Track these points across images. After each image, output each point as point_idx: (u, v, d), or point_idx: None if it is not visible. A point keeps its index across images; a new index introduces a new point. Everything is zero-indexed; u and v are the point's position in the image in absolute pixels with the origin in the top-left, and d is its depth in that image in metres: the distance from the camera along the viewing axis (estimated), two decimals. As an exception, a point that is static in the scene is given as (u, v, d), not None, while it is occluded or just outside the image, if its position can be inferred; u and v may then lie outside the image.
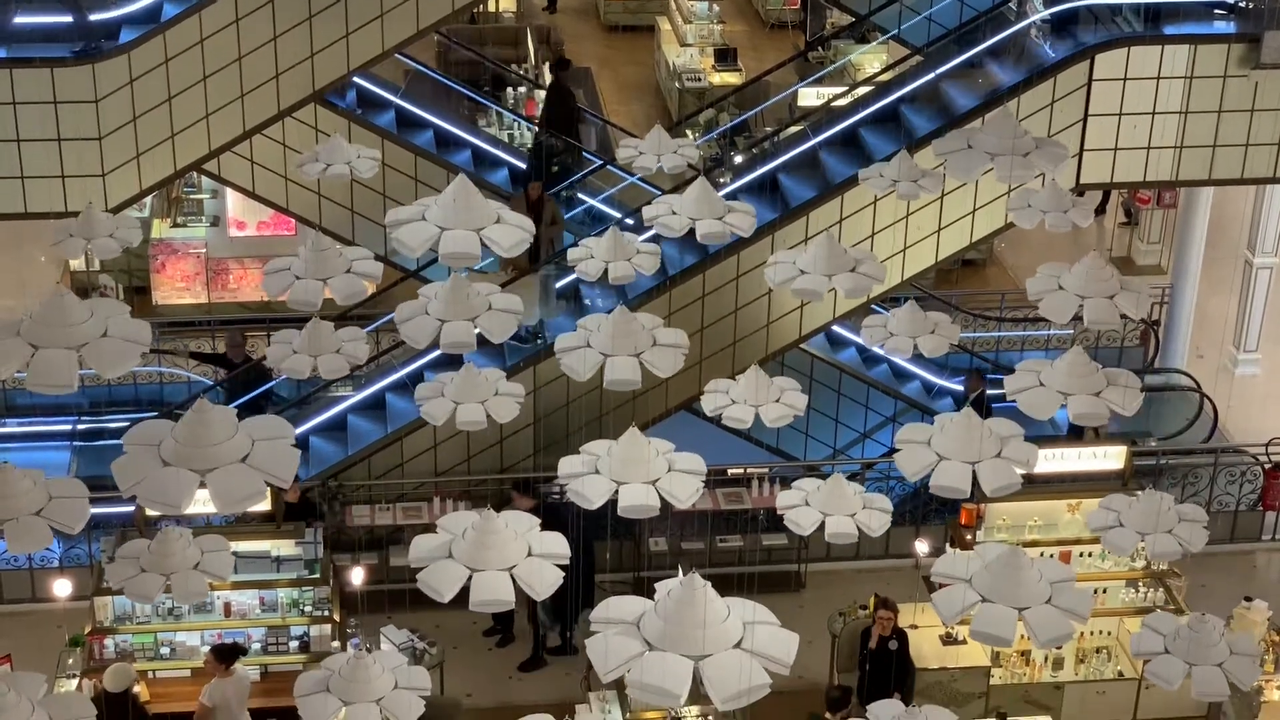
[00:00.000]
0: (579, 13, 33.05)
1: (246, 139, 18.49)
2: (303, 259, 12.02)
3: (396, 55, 19.72)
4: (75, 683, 15.39)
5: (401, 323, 11.65)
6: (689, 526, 18.43)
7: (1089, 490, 16.64)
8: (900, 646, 15.60)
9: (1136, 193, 24.83)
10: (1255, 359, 22.47)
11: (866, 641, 15.66)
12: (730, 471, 18.85)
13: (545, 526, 9.55)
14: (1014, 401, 11.59)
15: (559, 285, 18.73)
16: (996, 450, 10.74)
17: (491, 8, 30.65)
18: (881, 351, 15.40)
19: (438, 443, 18.48)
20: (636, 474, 10.02)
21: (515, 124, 24.24)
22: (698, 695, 8.14)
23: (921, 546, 17.55)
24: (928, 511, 18.64)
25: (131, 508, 16.09)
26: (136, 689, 14.90)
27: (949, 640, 16.34)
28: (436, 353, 17.88)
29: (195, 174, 20.62)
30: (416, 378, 16.96)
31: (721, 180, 19.31)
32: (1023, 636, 9.94)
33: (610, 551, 17.46)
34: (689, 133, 23.30)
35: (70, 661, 15.80)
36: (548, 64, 21.32)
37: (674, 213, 12.57)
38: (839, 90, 22.70)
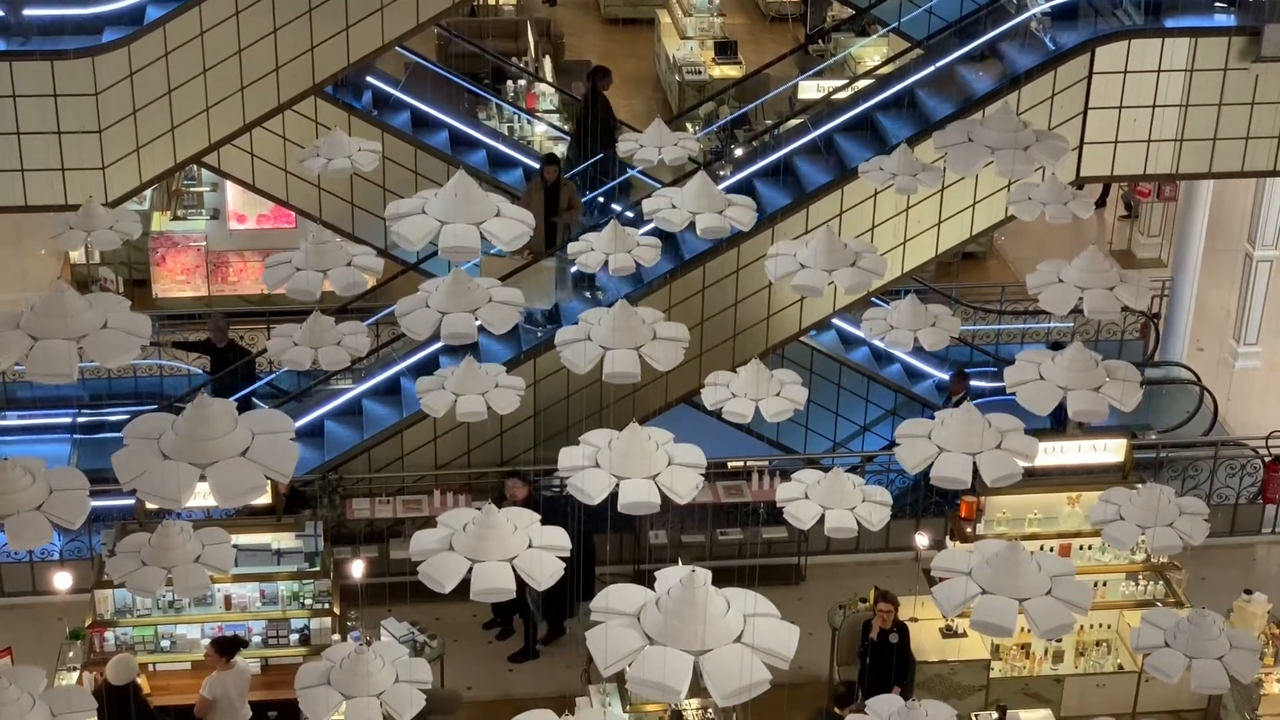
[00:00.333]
0: (579, 6, 33.01)
1: (246, 132, 18.49)
2: (304, 253, 12.03)
3: (396, 48, 19.71)
4: (76, 675, 15.40)
5: (402, 315, 11.66)
6: (689, 519, 18.43)
7: (1089, 483, 16.65)
8: (901, 639, 15.62)
9: (1137, 186, 24.82)
10: (1255, 352, 22.46)
11: (867, 634, 15.67)
12: (730, 465, 18.86)
13: (544, 521, 9.56)
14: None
15: (575, 269, 18.69)
16: (997, 442, 10.77)
17: (492, 1, 30.63)
18: (881, 344, 15.40)
19: (438, 435, 18.48)
20: (637, 469, 10.02)
21: (515, 117, 24.25)
22: (698, 688, 8.15)
23: (921, 540, 17.55)
24: (928, 505, 18.65)
25: (132, 501, 16.11)
26: (138, 681, 14.91)
27: (949, 633, 16.36)
28: (438, 344, 17.93)
29: (195, 167, 20.63)
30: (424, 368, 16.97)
31: (721, 173, 19.33)
32: (1023, 629, 9.96)
33: (610, 544, 17.47)
34: (689, 126, 23.34)
35: (71, 654, 15.81)
36: (588, 76, 21.12)
37: (674, 206, 12.57)
38: (839, 83, 22.70)
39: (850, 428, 21.20)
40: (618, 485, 9.98)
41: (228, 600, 15.97)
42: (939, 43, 19.58)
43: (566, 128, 24.39)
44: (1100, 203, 25.87)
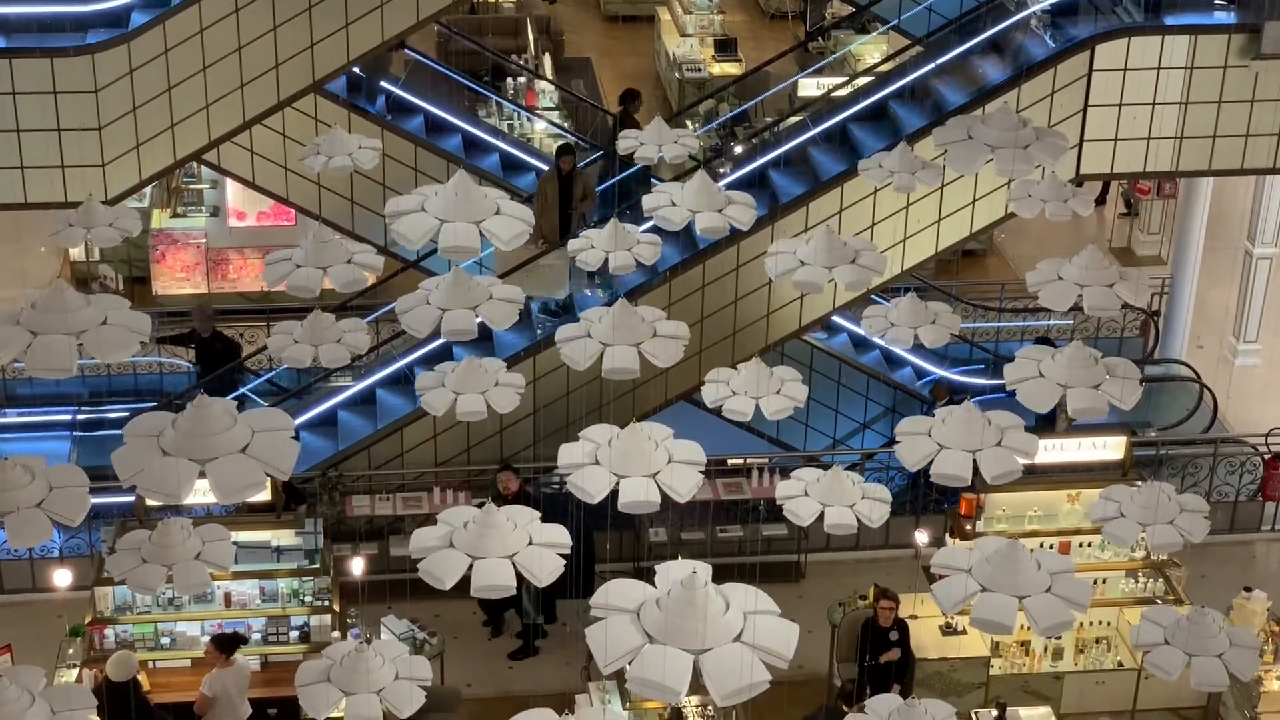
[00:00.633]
0: (579, 3, 33.01)
1: (246, 129, 18.49)
2: (304, 250, 12.03)
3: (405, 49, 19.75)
4: (76, 673, 15.41)
5: (403, 313, 11.66)
6: (689, 516, 18.44)
7: (1089, 481, 16.65)
8: (900, 637, 15.63)
9: (1136, 183, 24.82)
10: (1255, 349, 22.46)
11: (867, 633, 15.67)
12: (730, 462, 18.86)
13: (544, 518, 9.57)
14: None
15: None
16: (997, 439, 10.78)
17: (491, -2, 30.67)
18: (881, 341, 15.41)
19: (438, 433, 18.49)
20: (636, 468, 10.02)
21: (515, 114, 24.25)
22: (698, 685, 8.15)
23: (921, 537, 17.55)
24: (927, 502, 18.66)
25: (132, 498, 16.11)
26: (138, 678, 14.91)
27: (949, 630, 16.36)
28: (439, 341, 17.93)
29: (195, 164, 20.62)
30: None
31: (721, 170, 19.32)
32: (1023, 626, 9.97)
33: (610, 541, 17.47)
34: (689, 123, 23.33)
35: (71, 651, 15.81)
36: (619, 99, 21.12)
37: (673, 204, 12.58)
38: (839, 80, 22.70)
39: (850, 425, 21.20)
40: (618, 484, 9.98)
41: (227, 597, 15.97)
42: (938, 40, 19.58)
43: (567, 125, 24.42)
44: (1100, 200, 25.86)
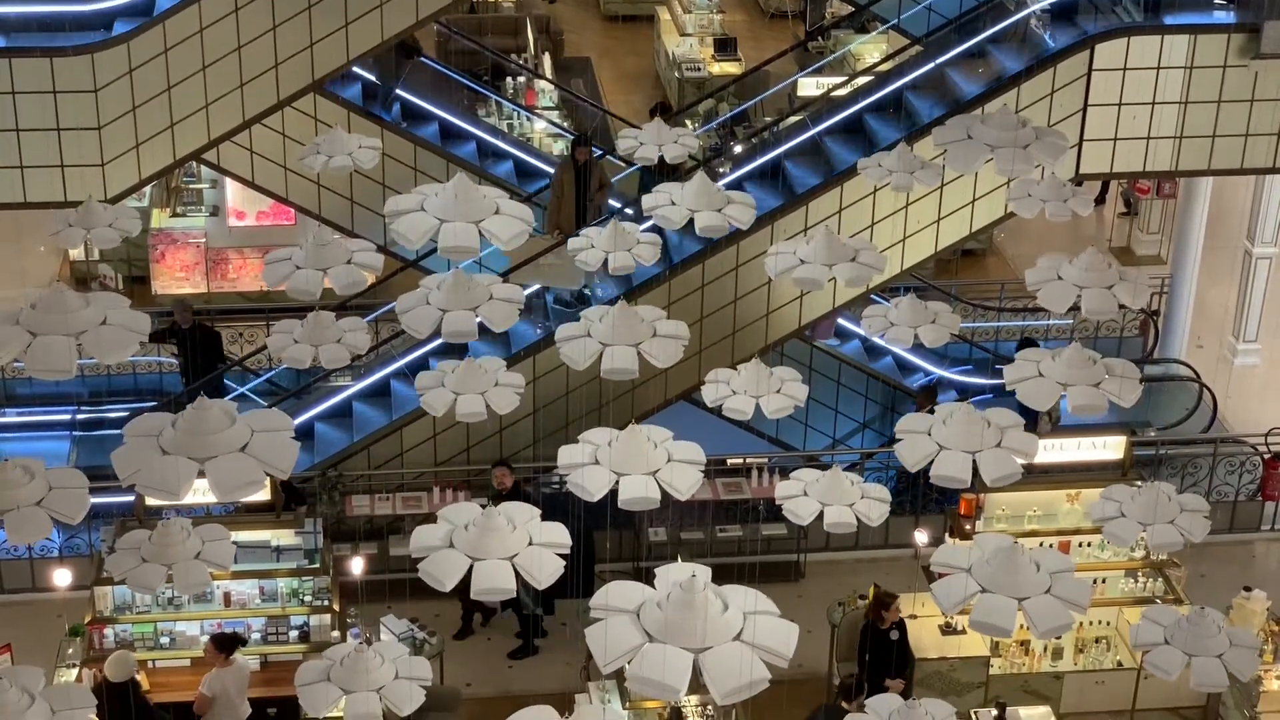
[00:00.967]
0: (579, 2, 33.01)
1: (246, 129, 18.49)
2: (304, 251, 12.02)
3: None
4: (75, 672, 15.41)
5: (403, 313, 11.65)
6: (688, 516, 18.44)
7: (1088, 480, 16.66)
8: (900, 636, 15.62)
9: (1136, 183, 24.82)
10: (1255, 349, 22.47)
11: (867, 632, 15.66)
12: (730, 461, 18.86)
13: (544, 517, 9.56)
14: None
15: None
16: (997, 440, 10.77)
17: (491, -3, 30.66)
18: (881, 341, 15.41)
19: (437, 432, 18.49)
20: (636, 466, 10.02)
21: (515, 114, 24.25)
22: (698, 685, 8.15)
23: (921, 536, 17.56)
24: (927, 501, 18.66)
25: (131, 498, 16.11)
26: (137, 678, 14.91)
27: (948, 630, 16.35)
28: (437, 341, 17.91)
29: (194, 164, 20.62)
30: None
31: (721, 170, 19.32)
32: (1022, 626, 9.96)
33: (610, 541, 17.47)
34: (688, 123, 23.33)
35: (70, 651, 15.81)
36: (650, 111, 21.08)
37: (673, 203, 12.57)
38: (838, 80, 22.69)
39: (849, 424, 21.21)
40: (617, 482, 9.98)
41: (227, 597, 15.96)
42: (937, 39, 19.58)
43: (566, 124, 24.42)
44: (1100, 200, 25.86)
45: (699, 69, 28.21)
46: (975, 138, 13.13)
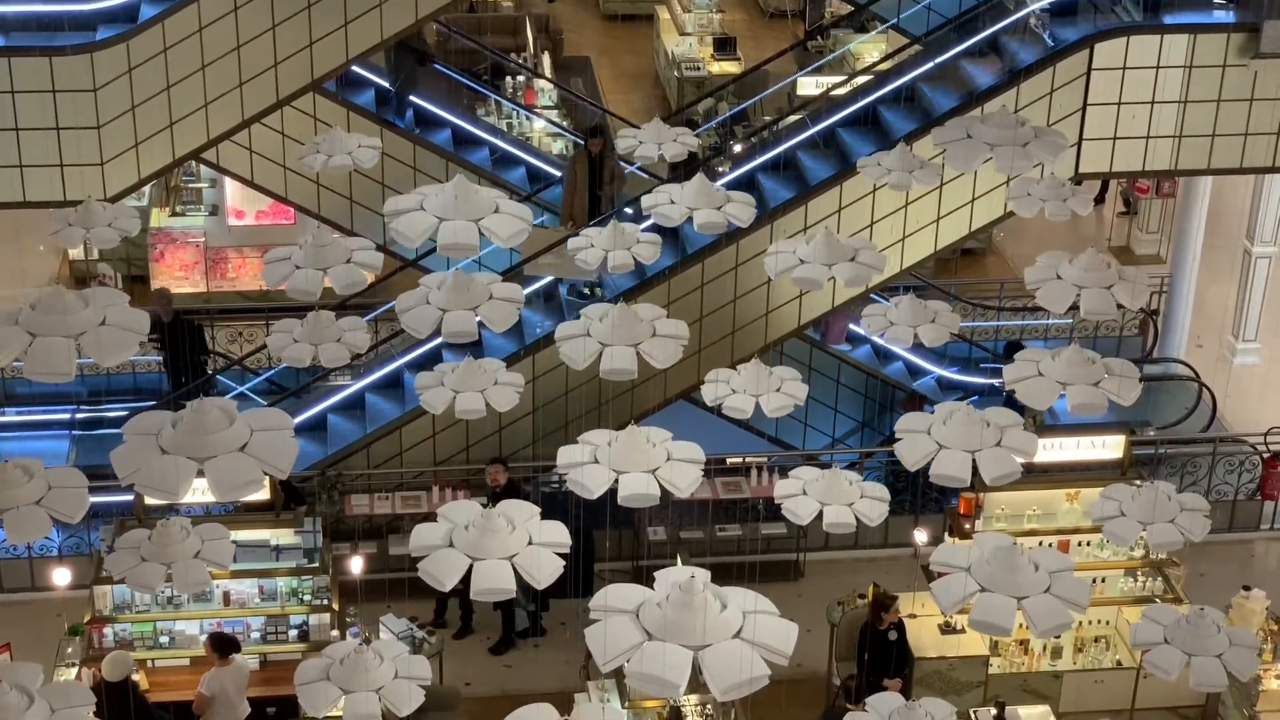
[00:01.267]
0: (578, 2, 32.99)
1: (245, 128, 18.48)
2: (304, 251, 12.01)
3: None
4: (75, 671, 15.40)
5: (402, 312, 11.65)
6: (688, 515, 18.44)
7: (1088, 480, 16.66)
8: (899, 636, 15.62)
9: (1135, 182, 24.81)
10: (1254, 348, 22.47)
11: (866, 632, 15.66)
12: (729, 460, 18.86)
13: (543, 516, 9.56)
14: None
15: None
16: (996, 439, 10.77)
17: (490, -3, 30.65)
18: (881, 341, 15.40)
19: (436, 431, 18.49)
20: (636, 464, 10.02)
21: (514, 113, 24.25)
22: (697, 684, 8.15)
23: (920, 536, 17.56)
24: (926, 501, 18.66)
25: (131, 497, 16.11)
26: (135, 677, 14.91)
27: (947, 629, 16.35)
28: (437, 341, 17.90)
29: (194, 163, 20.62)
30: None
31: (720, 169, 19.32)
32: (1021, 625, 9.96)
33: (609, 540, 17.47)
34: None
35: (69, 650, 15.80)
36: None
37: (672, 201, 12.58)
38: (838, 79, 22.68)
39: (848, 423, 21.21)
40: (617, 480, 9.98)
41: (226, 596, 15.97)
42: (937, 39, 19.58)
43: (566, 124, 24.42)
44: (1099, 199, 25.86)
45: (698, 68, 28.20)
46: (975, 137, 13.13)
